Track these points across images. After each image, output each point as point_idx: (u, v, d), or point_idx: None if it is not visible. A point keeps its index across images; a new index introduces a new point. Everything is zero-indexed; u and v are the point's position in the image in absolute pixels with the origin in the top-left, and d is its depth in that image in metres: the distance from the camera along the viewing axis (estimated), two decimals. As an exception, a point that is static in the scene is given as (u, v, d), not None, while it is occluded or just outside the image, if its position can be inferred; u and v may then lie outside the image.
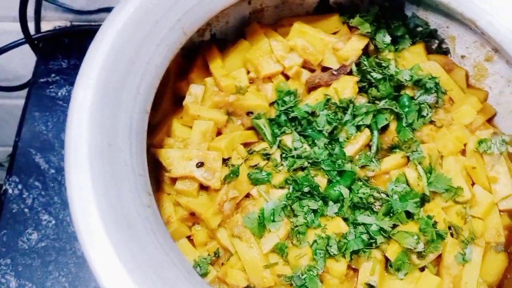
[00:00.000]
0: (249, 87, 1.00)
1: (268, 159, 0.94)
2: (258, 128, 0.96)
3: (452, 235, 0.89)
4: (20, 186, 1.14)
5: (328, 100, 0.97)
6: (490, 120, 1.03)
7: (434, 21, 1.05)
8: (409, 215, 0.89)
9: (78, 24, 1.37)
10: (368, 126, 0.96)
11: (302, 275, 0.84)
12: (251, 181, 0.91)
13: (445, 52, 1.07)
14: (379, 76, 0.98)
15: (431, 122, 0.98)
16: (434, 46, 1.08)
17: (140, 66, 0.79)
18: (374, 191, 0.91)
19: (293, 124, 0.97)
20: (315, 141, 0.95)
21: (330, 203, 0.89)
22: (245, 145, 0.96)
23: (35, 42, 1.31)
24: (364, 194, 0.90)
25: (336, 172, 0.92)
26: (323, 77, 1.01)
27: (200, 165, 0.88)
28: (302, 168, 0.92)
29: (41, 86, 1.27)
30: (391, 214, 0.89)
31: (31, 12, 1.27)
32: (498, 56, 0.99)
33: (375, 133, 0.96)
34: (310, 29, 1.02)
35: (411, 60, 1.03)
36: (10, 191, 1.13)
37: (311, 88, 1.02)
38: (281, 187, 0.91)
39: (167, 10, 0.82)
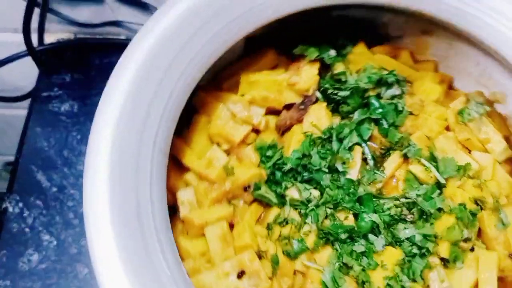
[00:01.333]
0: (229, 161, 0.92)
1: (287, 222, 0.89)
2: (262, 197, 0.90)
3: (481, 208, 0.91)
4: (20, 205, 1.11)
5: (310, 136, 0.94)
6: (451, 87, 1.07)
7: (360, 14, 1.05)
8: (440, 209, 0.89)
9: (82, 37, 1.34)
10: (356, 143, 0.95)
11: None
12: (291, 258, 0.86)
13: (384, 39, 1.09)
14: (346, 93, 0.96)
15: (410, 113, 0.99)
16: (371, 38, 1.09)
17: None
18: (397, 201, 0.91)
19: (290, 176, 0.92)
20: (320, 182, 0.91)
21: (371, 236, 0.87)
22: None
23: (38, 54, 1.28)
24: (390, 209, 0.89)
25: (356, 203, 0.89)
26: (292, 116, 0.97)
27: (241, 274, 0.81)
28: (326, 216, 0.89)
29: (43, 101, 1.24)
30: (425, 217, 0.89)
31: (34, 24, 1.23)
32: (434, 27, 1.02)
33: (365, 145, 0.95)
34: (259, 75, 0.97)
35: (359, 62, 1.02)
36: (10, 209, 1.11)
37: (284, 130, 0.98)
38: (320, 246, 0.87)
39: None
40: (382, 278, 0.83)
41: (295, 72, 0.97)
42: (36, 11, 1.21)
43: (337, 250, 0.85)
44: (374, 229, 0.88)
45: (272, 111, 0.98)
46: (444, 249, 0.87)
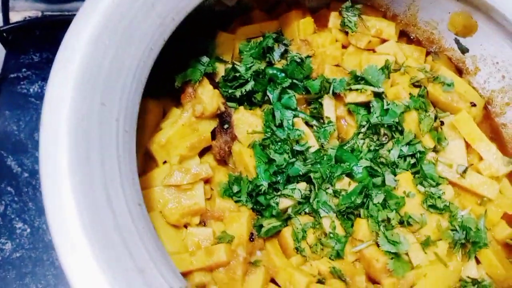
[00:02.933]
0: (214, 231, 0.82)
1: (305, 232, 0.83)
2: (271, 231, 0.83)
3: (421, 86, 0.96)
4: (-10, 192, 1.05)
5: (257, 144, 0.87)
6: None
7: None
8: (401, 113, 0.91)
9: (50, 14, 1.24)
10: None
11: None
12: (341, 257, 0.82)
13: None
14: (251, 83, 0.90)
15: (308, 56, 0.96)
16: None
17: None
18: (362, 135, 0.91)
19: (271, 191, 0.85)
20: (299, 173, 0.85)
21: (375, 180, 0.86)
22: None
23: (4, 34, 1.21)
24: (364, 145, 0.90)
25: (336, 164, 0.88)
26: (224, 140, 0.88)
27: None
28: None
29: (12, 82, 1.14)
30: (395, 128, 0.90)
31: (-2, 3, 1.15)
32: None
33: (299, 113, 0.91)
34: (164, 133, 0.85)
35: (229, 49, 0.96)
36: (-21, 198, 1.04)
37: (227, 157, 0.90)
38: (352, 226, 0.84)
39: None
40: (419, 204, 0.84)
41: (193, 101, 0.88)
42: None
43: (368, 216, 0.83)
44: (371, 171, 0.87)
45: (201, 152, 0.89)
46: (427, 140, 0.90)
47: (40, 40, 1.23)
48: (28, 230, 1.01)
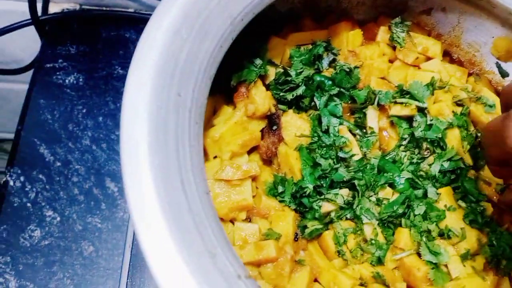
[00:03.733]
0: (260, 228, 0.85)
1: (346, 236, 0.85)
2: (313, 233, 0.86)
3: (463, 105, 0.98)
4: (22, 179, 1.05)
5: (304, 148, 0.90)
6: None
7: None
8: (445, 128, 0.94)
9: (88, 8, 1.28)
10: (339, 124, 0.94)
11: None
12: (382, 263, 0.84)
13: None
14: (302, 88, 0.94)
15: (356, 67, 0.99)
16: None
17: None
18: (403, 147, 0.94)
19: (314, 195, 0.87)
20: (343, 179, 0.88)
21: (417, 192, 0.89)
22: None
23: (42, 24, 1.23)
24: (405, 157, 0.93)
25: (379, 173, 0.91)
26: (271, 141, 0.91)
27: None
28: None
29: (47, 72, 1.18)
30: (436, 143, 0.93)
31: (38, -7, 1.17)
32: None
33: (344, 121, 0.94)
34: (217, 130, 0.89)
35: (279, 54, 0.99)
36: (11, 183, 1.05)
37: (272, 158, 0.92)
38: (393, 234, 0.86)
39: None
40: (459, 218, 0.86)
41: (245, 101, 0.91)
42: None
43: (409, 227, 0.85)
44: (412, 183, 0.89)
45: (249, 151, 0.91)
46: (468, 158, 0.92)
47: (78, 33, 1.25)
48: (58, 218, 1.03)
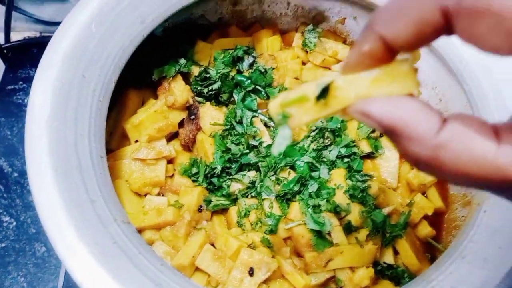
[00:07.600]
0: (169, 199, 0.96)
1: (249, 211, 0.95)
2: (217, 207, 0.96)
3: None
4: (-19, 189, 1.13)
5: (217, 135, 1.01)
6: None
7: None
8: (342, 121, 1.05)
9: (47, 35, 1.40)
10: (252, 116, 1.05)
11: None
12: (274, 233, 0.94)
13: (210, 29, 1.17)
14: (218, 84, 1.05)
15: (272, 68, 1.12)
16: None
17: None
18: (309, 137, 1.04)
19: (224, 175, 0.99)
20: (250, 162, 0.99)
21: (314, 173, 0.99)
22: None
23: (4, 51, 1.34)
24: (310, 145, 1.03)
25: (285, 158, 1.00)
26: (190, 129, 1.03)
27: (251, 271, 0.86)
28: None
29: (8, 94, 1.29)
30: (337, 133, 1.04)
31: (1, 23, 1.30)
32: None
33: (259, 114, 1.07)
34: (139, 116, 1.00)
35: (206, 56, 1.11)
36: (-29, 193, 1.12)
37: (191, 144, 1.04)
38: (287, 208, 0.96)
39: None
40: (343, 195, 0.95)
41: (166, 93, 1.02)
42: (3, 10, 1.26)
43: (301, 200, 0.95)
44: (312, 166, 0.99)
45: (170, 137, 1.04)
46: (364, 146, 1.03)
47: (37, 57, 1.30)
48: (14, 223, 1.12)
